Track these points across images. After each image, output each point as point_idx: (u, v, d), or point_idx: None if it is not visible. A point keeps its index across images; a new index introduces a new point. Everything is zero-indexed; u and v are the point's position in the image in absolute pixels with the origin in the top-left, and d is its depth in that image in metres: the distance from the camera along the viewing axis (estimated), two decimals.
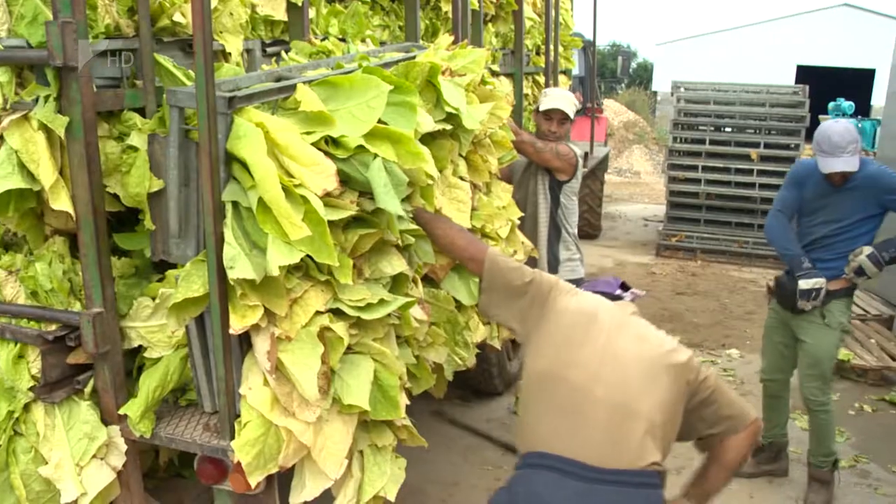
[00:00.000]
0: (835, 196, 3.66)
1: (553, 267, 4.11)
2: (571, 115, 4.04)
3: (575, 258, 4.19)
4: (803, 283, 3.61)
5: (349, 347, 2.25)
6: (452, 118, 2.81)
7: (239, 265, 1.97)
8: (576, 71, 8.19)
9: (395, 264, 2.45)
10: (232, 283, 2.00)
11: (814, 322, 3.71)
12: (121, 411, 2.23)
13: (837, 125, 3.58)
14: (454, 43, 3.44)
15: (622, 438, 2.01)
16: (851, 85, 22.09)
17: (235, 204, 2.08)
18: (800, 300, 3.64)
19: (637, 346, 2.13)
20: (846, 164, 3.49)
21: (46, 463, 2.20)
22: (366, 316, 2.25)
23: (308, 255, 2.04)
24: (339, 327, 2.18)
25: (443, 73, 2.84)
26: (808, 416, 3.90)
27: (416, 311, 2.57)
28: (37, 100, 2.06)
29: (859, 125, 15.02)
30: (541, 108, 4.07)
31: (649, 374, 2.08)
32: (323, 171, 2.07)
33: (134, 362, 2.37)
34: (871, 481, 4.19)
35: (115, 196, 2.25)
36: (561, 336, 2.18)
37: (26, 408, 2.23)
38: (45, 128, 2.06)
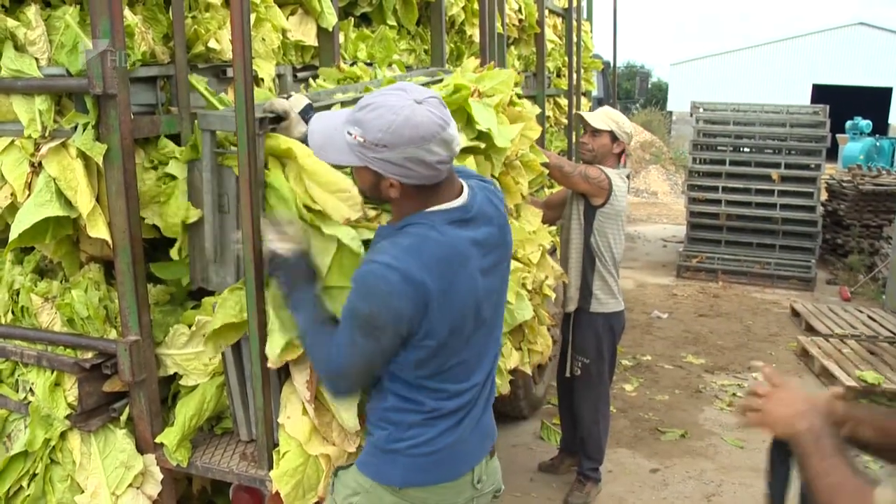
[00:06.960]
0: None
1: (585, 298, 3.82)
2: (602, 128, 3.75)
3: (609, 291, 3.83)
4: None
5: None
6: (484, 137, 2.78)
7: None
8: (595, 93, 8.18)
9: None
10: None
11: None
12: (157, 440, 2.20)
13: None
14: (481, 65, 3.42)
15: None
16: (867, 103, 22.03)
17: None
18: None
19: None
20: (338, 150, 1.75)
21: (83, 492, 2.19)
22: None
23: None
24: None
25: (471, 94, 2.82)
26: None
27: None
28: (75, 127, 2.06)
29: (878, 143, 14.97)
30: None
31: None
32: (349, 199, 2.02)
33: (168, 390, 2.35)
34: None
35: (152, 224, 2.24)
36: None
37: (63, 436, 2.22)
38: (82, 155, 2.06)
